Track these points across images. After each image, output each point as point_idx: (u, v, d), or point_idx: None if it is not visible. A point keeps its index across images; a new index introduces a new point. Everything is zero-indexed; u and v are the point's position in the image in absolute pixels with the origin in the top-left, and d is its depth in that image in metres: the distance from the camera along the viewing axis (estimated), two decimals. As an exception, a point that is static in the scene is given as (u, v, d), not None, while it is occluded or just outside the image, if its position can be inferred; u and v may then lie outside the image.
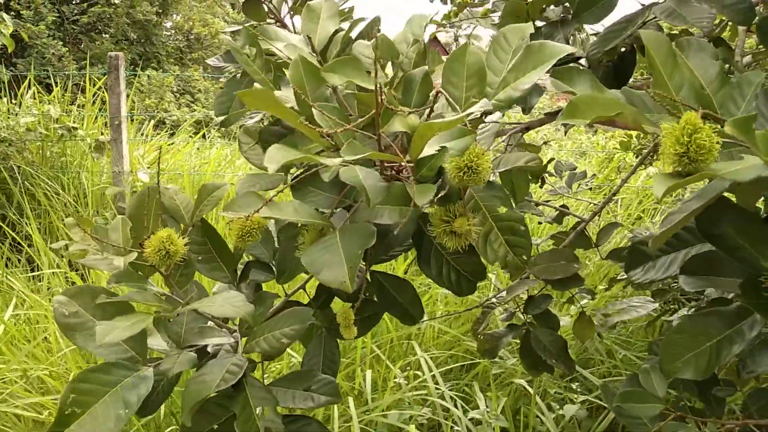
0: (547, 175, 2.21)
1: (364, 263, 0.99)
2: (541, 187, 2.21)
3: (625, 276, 1.62)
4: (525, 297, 1.54)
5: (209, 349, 0.81)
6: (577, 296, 1.67)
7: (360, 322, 1.00)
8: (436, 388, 2.51)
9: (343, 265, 0.60)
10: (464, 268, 0.78)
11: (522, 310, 1.51)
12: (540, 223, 1.92)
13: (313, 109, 0.65)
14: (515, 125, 1.42)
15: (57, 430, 0.65)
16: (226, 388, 0.69)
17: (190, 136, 6.90)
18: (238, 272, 0.88)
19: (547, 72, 0.71)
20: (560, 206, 1.94)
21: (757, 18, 1.03)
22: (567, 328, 2.73)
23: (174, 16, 14.93)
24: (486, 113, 0.71)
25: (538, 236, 3.33)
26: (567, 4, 1.36)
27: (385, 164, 0.72)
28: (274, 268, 0.92)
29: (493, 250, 0.69)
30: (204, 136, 6.86)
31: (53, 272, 3.59)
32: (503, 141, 1.53)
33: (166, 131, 7.62)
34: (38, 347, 2.73)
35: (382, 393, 2.60)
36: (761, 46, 1.62)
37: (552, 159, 2.17)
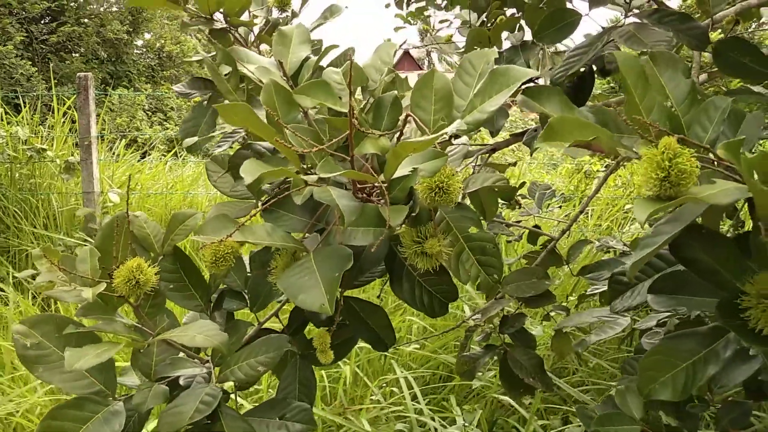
0: (520, 197, 2.24)
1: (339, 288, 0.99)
2: (518, 208, 2.23)
3: (596, 291, 1.64)
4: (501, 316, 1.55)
5: (182, 381, 0.80)
6: (554, 314, 1.69)
7: (334, 348, 0.99)
8: (414, 404, 2.51)
9: (321, 288, 0.60)
10: (436, 289, 0.78)
11: (498, 331, 1.52)
12: (509, 242, 1.93)
13: (286, 130, 0.66)
14: (483, 146, 1.45)
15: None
16: (201, 420, 0.68)
17: (163, 155, 6.83)
18: (212, 301, 0.87)
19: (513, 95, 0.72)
20: (533, 226, 1.96)
21: (712, 42, 1.07)
22: (539, 338, 2.76)
23: (145, 34, 14.83)
24: (454, 135, 0.72)
25: (510, 255, 3.37)
26: (527, 29, 1.40)
27: (357, 186, 0.72)
28: (246, 297, 0.91)
29: (465, 270, 0.70)
30: (176, 154, 6.79)
31: (20, 291, 3.50)
32: (471, 163, 1.56)
33: (138, 150, 7.52)
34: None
35: (359, 410, 2.59)
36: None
37: (524, 183, 2.20)
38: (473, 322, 1.58)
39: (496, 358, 1.53)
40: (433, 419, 2.44)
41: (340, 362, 2.82)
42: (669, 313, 1.43)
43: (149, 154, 6.80)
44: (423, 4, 2.44)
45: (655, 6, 1.22)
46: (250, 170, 0.56)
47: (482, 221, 0.72)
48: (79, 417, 0.69)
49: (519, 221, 2.18)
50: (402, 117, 0.70)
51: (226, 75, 0.84)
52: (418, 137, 0.69)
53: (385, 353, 3.01)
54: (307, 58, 0.86)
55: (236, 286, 0.92)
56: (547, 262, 1.69)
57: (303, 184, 0.63)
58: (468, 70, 0.72)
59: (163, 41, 14.51)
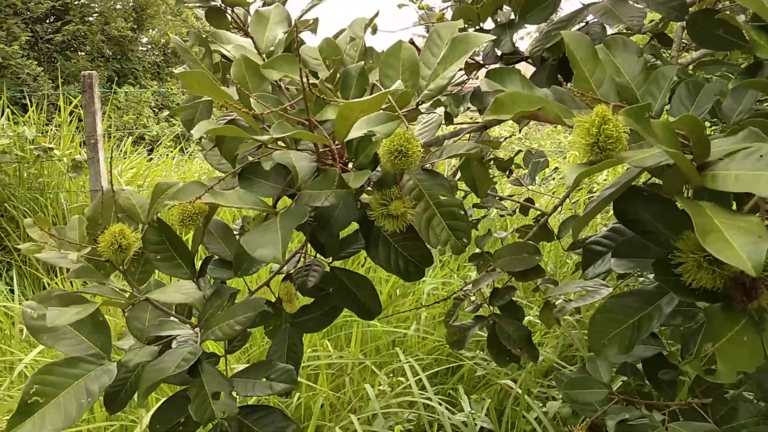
0: (514, 166, 2.26)
1: (322, 258, 1.03)
2: (508, 177, 2.25)
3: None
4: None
5: (174, 344, 0.84)
6: (542, 286, 1.72)
7: (321, 317, 1.04)
8: (422, 393, 2.53)
9: (279, 243, 0.63)
10: (411, 254, 0.82)
11: (488, 302, 1.55)
12: (502, 216, 1.95)
13: (250, 98, 0.69)
14: (473, 124, 1.48)
15: (19, 420, 0.67)
16: (183, 375, 0.72)
17: (171, 152, 6.89)
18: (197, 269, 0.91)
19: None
20: (525, 199, 1.99)
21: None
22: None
23: (150, 30, 14.89)
24: (420, 103, 0.75)
25: (503, 229, 3.39)
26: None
27: (320, 152, 0.75)
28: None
29: (435, 235, 0.73)
30: (182, 150, 6.85)
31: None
32: (469, 139, 1.58)
33: (145, 147, 7.59)
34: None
35: (367, 401, 2.62)
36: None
37: (520, 151, 2.21)
38: (463, 294, 1.62)
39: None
40: (441, 410, 2.46)
41: (344, 353, 2.86)
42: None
43: (156, 152, 6.87)
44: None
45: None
46: (200, 128, 0.60)
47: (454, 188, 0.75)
48: (72, 374, 0.74)
49: (512, 195, 2.20)
50: (369, 87, 0.73)
51: (200, 56, 0.87)
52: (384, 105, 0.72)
53: (393, 344, 3.04)
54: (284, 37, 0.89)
55: (227, 256, 0.96)
56: (538, 237, 1.72)
57: (255, 143, 0.67)
58: (436, 42, 0.76)
59: (167, 37, 14.58)
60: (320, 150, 0.73)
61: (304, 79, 0.61)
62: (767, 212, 0.60)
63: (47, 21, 13.27)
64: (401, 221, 0.71)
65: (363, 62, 0.76)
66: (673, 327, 1.07)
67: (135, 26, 13.83)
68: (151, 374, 0.72)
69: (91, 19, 13.27)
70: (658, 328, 1.01)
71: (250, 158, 0.82)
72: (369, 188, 0.76)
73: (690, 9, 1.18)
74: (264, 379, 0.82)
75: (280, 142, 0.73)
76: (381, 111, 0.65)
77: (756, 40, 0.63)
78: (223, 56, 0.95)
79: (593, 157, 0.56)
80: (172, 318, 0.84)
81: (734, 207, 0.66)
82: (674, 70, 0.70)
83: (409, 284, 3.61)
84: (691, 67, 1.46)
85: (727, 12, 1.30)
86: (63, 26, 12.87)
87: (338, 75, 0.78)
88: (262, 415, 0.84)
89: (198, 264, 0.91)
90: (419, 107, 0.74)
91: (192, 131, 0.60)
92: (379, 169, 0.74)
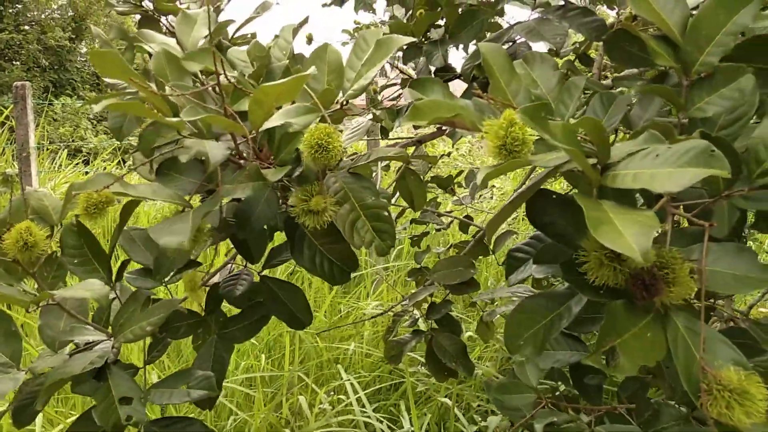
0: (457, 186, 2.31)
1: (251, 267, 1.01)
2: (452, 195, 2.30)
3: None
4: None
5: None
6: (480, 301, 1.75)
7: (248, 326, 1.02)
8: (363, 411, 2.51)
9: (187, 230, 0.61)
10: (336, 256, 0.81)
11: (425, 317, 1.57)
12: (438, 230, 1.98)
13: (167, 87, 0.68)
14: (408, 139, 1.50)
15: None
16: (90, 378, 0.69)
17: (108, 165, 6.66)
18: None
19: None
20: (464, 216, 2.03)
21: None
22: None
23: (92, 42, 14.44)
24: (344, 103, 0.76)
25: (444, 245, 3.44)
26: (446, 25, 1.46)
27: (239, 146, 0.74)
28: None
29: (360, 237, 0.73)
30: (121, 162, 6.62)
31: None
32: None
33: (82, 160, 7.31)
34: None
35: (307, 420, 2.57)
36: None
37: (461, 171, 2.26)
38: (402, 309, 1.63)
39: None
40: (382, 427, 2.45)
41: (284, 369, 2.81)
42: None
43: (93, 165, 6.62)
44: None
45: (562, 2, 1.29)
46: (103, 101, 0.59)
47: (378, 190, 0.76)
48: (-26, 385, 0.70)
49: (451, 211, 2.24)
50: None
51: (121, 51, 0.86)
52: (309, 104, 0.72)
53: (336, 361, 3.01)
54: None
55: (150, 264, 0.92)
56: (475, 252, 1.75)
57: (174, 138, 0.66)
58: (362, 46, 0.77)
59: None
60: (239, 143, 0.72)
61: (220, 67, 0.60)
62: (673, 216, 0.63)
63: (-21, 28, 12.67)
64: (322, 217, 0.70)
65: (287, 61, 0.77)
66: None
67: (73, 36, 13.39)
68: (55, 375, 0.68)
69: (26, 27, 12.76)
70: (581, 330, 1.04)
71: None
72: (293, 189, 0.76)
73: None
74: (183, 387, 0.79)
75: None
76: (300, 104, 0.65)
77: (655, 49, 0.67)
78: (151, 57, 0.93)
79: (502, 160, 0.57)
80: (87, 326, 0.80)
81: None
82: (584, 80, 0.74)
83: (353, 303, 3.60)
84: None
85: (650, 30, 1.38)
86: (-4, 34, 12.33)
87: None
88: (181, 426, 0.81)
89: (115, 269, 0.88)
90: (344, 108, 0.75)
91: (94, 105, 0.58)
92: (301, 166, 0.74)
